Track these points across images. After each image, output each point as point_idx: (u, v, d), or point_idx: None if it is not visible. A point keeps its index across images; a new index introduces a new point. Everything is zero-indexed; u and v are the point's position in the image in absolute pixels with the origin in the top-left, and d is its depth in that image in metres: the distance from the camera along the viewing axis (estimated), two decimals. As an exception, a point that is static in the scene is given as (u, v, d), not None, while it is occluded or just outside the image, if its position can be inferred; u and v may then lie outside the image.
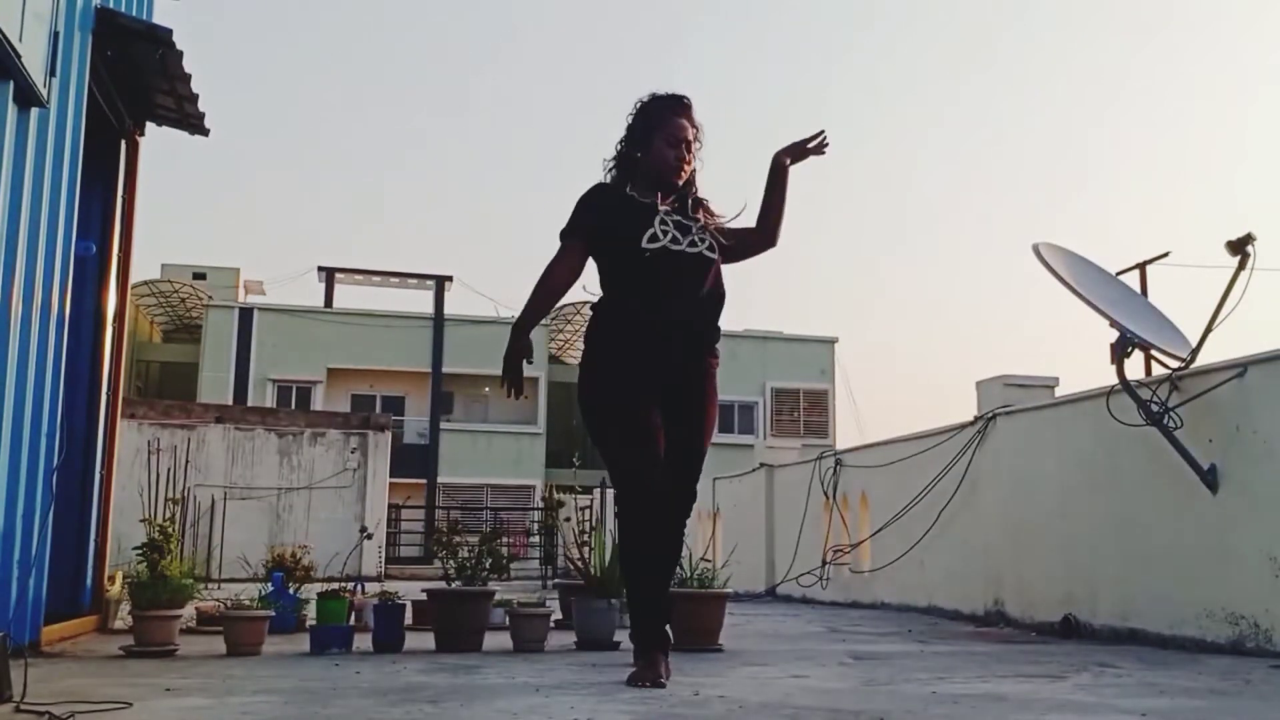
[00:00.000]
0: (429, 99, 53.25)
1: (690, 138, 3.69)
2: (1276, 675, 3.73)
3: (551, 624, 4.85)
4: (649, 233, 3.58)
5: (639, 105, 3.73)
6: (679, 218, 3.65)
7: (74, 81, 4.56)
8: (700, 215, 3.72)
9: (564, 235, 3.65)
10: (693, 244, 3.62)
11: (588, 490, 14.87)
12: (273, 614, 4.69)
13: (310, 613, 5.20)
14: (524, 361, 3.62)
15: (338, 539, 12.34)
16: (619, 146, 3.75)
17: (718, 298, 3.70)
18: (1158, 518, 5.04)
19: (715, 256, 3.67)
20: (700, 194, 3.78)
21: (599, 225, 3.64)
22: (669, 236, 3.59)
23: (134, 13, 5.41)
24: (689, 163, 3.70)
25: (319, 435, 17.70)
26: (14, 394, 3.97)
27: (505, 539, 6.38)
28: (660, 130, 3.66)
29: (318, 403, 28.83)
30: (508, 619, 4.84)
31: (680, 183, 3.70)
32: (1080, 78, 53.79)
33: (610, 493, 12.12)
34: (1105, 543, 5.38)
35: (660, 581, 3.55)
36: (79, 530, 5.31)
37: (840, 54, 53.88)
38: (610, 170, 3.75)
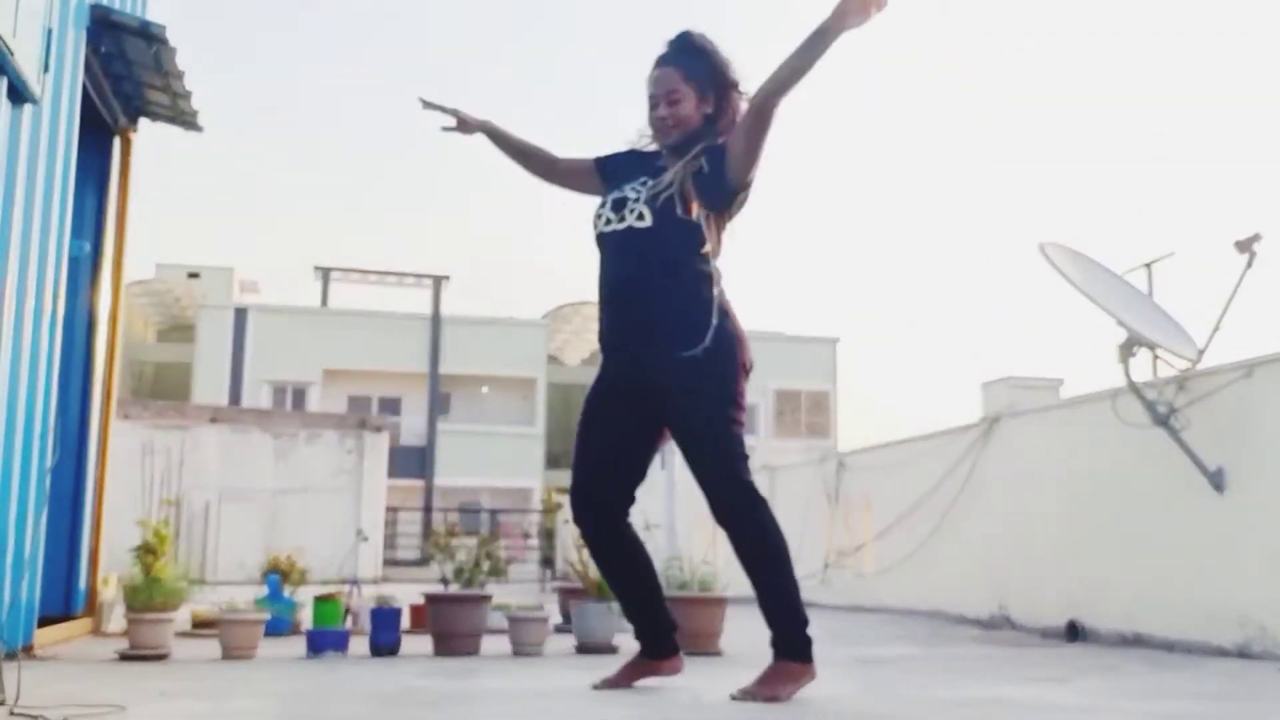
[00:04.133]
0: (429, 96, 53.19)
1: (666, 89, 3.31)
2: (1285, 679, 3.69)
3: (550, 628, 4.81)
4: (595, 216, 3.37)
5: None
6: (636, 183, 3.31)
7: (67, 78, 4.52)
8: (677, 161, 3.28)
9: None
10: (622, 219, 3.27)
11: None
12: (268, 617, 4.65)
13: (306, 616, 5.17)
14: (456, 117, 3.56)
15: (334, 541, 12.30)
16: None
17: (660, 290, 3.22)
18: (1164, 520, 5.01)
19: (648, 224, 3.22)
20: (716, 141, 3.34)
21: (597, 184, 3.49)
22: (602, 220, 3.31)
23: (128, 9, 5.37)
24: (670, 117, 3.30)
25: (315, 436, 17.65)
26: (6, 395, 3.93)
27: (503, 541, 6.34)
28: (647, 90, 3.39)
29: (314, 403, 28.78)
30: (506, 622, 4.81)
31: (671, 141, 3.33)
32: (1085, 74, 53.90)
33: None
34: (1111, 545, 5.35)
35: (630, 597, 3.36)
36: (72, 532, 5.28)
37: (838, 50, 53.90)
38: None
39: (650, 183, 3.27)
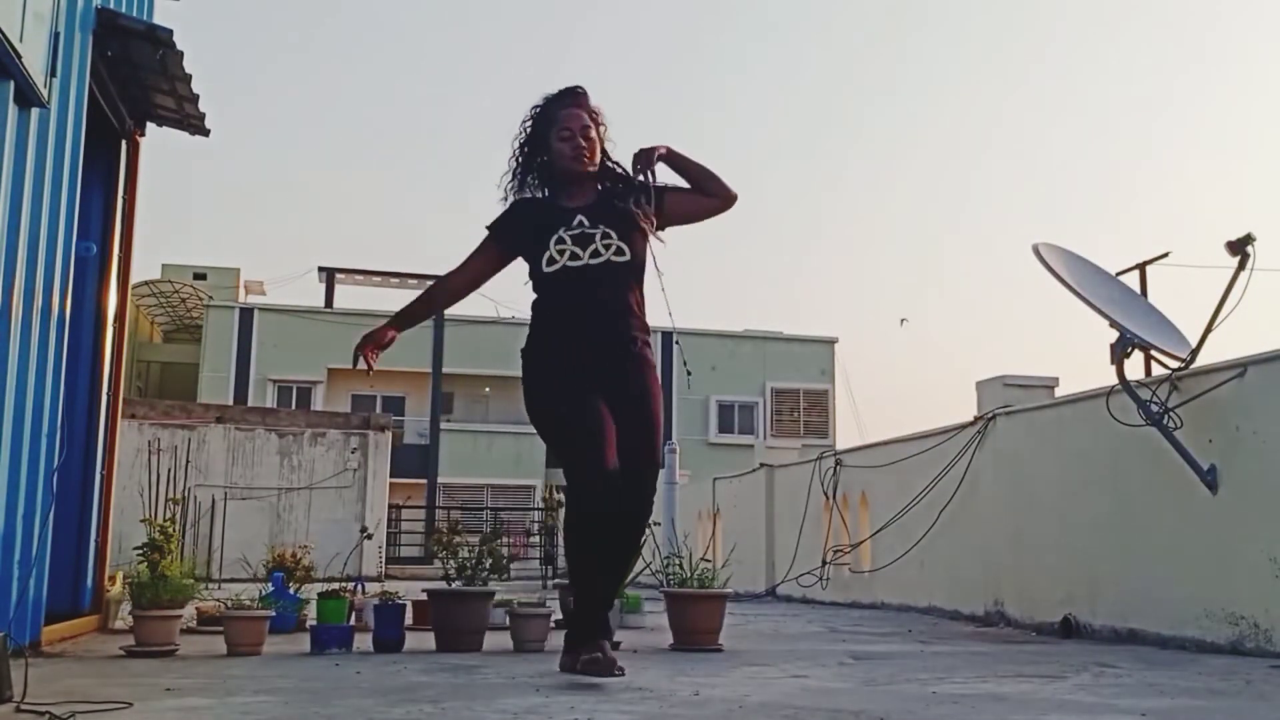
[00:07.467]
0: (429, 97, 53.29)
1: (584, 124, 3.70)
2: (1276, 675, 3.73)
3: (552, 624, 4.85)
4: (545, 255, 3.60)
5: (530, 111, 3.79)
6: (585, 222, 3.62)
7: (74, 82, 4.56)
8: (631, 199, 3.69)
9: (488, 228, 3.77)
10: (596, 253, 3.58)
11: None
12: (273, 614, 4.69)
13: (310, 613, 5.21)
14: (378, 347, 3.87)
15: (338, 539, 12.35)
16: (518, 158, 3.78)
17: (630, 309, 3.64)
18: (1157, 518, 5.04)
19: (626, 258, 3.60)
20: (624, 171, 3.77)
21: (514, 242, 3.73)
22: (566, 255, 3.58)
23: (134, 13, 5.40)
24: (590, 150, 3.69)
25: (319, 435, 17.67)
26: (14, 395, 3.97)
27: (505, 539, 6.38)
28: (552, 127, 3.70)
29: (318, 403, 28.80)
30: (508, 619, 4.84)
31: (587, 170, 3.71)
32: (1081, 76, 53.82)
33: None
34: (1105, 543, 5.38)
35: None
36: (79, 530, 5.31)
37: (838, 53, 53.91)
38: (512, 186, 3.79)
39: (596, 232, 3.60)
